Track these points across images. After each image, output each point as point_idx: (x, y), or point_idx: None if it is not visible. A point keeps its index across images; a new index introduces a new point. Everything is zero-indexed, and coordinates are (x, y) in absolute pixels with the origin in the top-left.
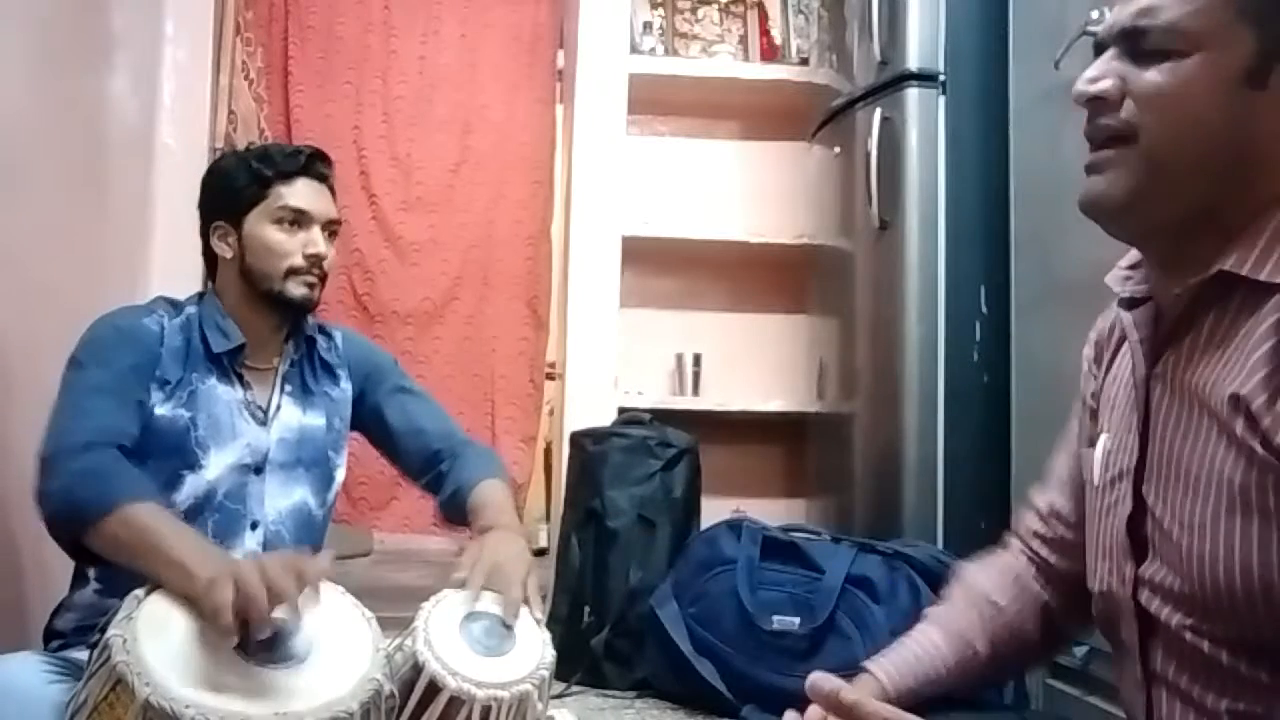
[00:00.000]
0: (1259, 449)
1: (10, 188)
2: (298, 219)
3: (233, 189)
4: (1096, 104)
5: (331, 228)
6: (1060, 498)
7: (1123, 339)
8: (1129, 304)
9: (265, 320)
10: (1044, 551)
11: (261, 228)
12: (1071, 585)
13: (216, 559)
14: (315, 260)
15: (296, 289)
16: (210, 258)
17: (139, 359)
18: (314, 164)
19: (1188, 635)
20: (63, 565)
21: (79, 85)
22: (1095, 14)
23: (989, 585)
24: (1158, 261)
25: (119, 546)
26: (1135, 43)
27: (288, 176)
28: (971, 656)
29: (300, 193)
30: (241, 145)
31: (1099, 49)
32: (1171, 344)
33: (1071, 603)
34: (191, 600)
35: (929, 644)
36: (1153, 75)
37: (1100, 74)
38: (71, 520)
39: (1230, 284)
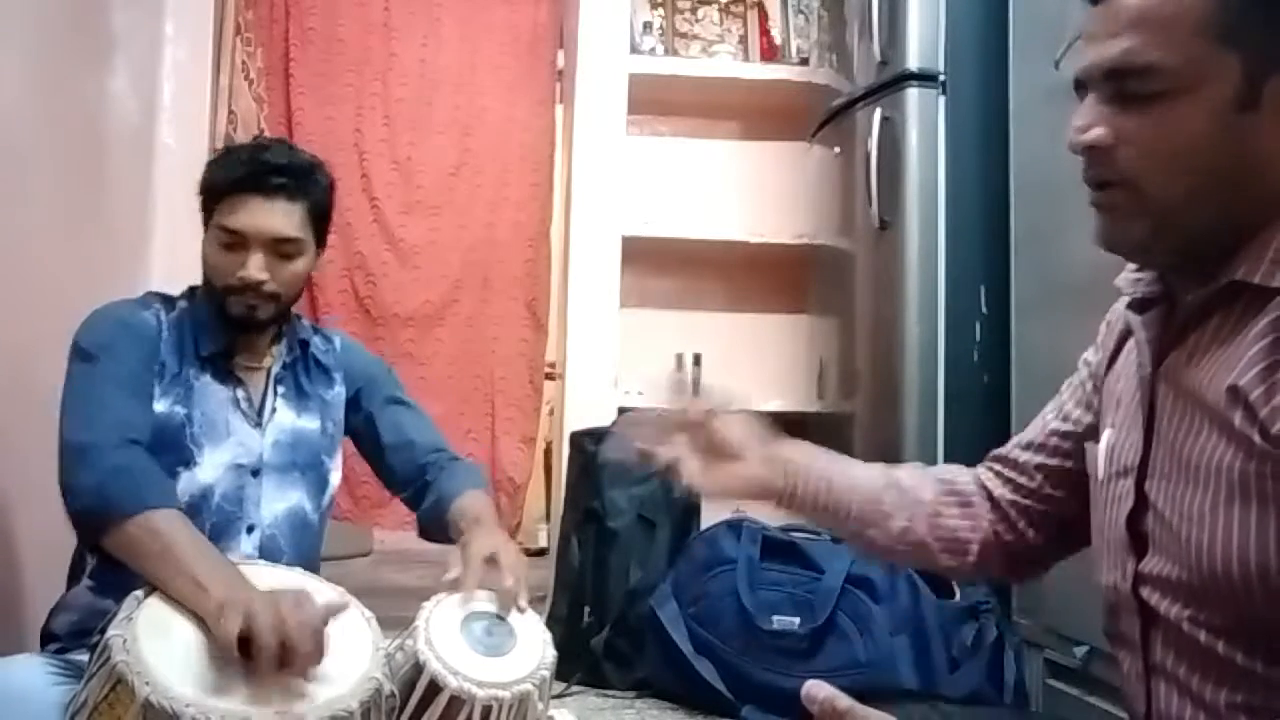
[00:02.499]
0: (1257, 439)
1: (10, 188)
2: (235, 240)
3: (202, 192)
4: (1091, 153)
5: (281, 248)
6: (1019, 449)
7: (1127, 333)
8: (1139, 306)
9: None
10: (989, 478)
11: (208, 241)
12: (1008, 509)
13: (231, 579)
14: (248, 285)
15: (234, 307)
16: None
17: (144, 353)
18: (264, 179)
19: (1186, 625)
20: (60, 566)
21: (79, 85)
22: None
23: (931, 471)
24: (1173, 274)
25: (138, 551)
26: (1119, 86)
27: (236, 191)
28: (877, 495)
29: (241, 212)
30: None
31: (1079, 87)
32: (1178, 344)
33: (1002, 528)
34: (200, 617)
35: (853, 474)
36: (1145, 122)
37: (1089, 122)
38: (99, 517)
39: (1238, 289)
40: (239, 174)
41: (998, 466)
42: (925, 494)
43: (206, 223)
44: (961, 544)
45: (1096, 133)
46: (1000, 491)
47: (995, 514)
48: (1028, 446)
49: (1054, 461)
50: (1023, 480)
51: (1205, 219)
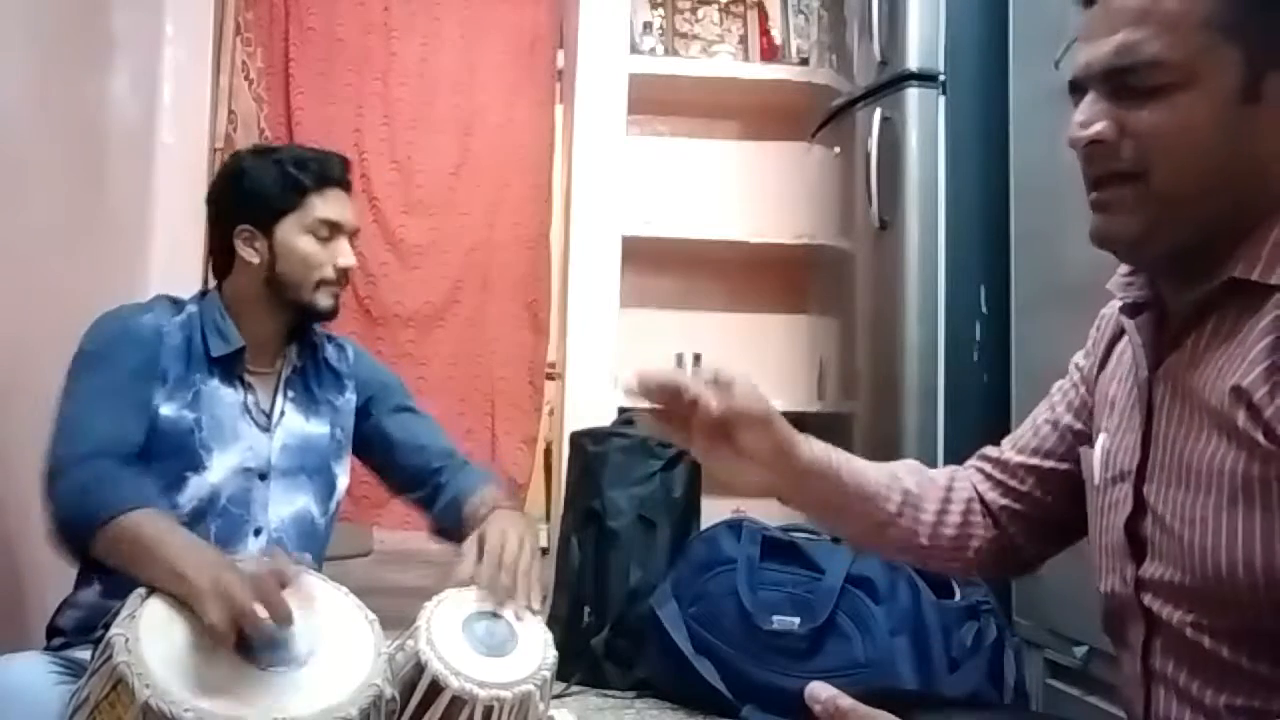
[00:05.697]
0: (1261, 440)
1: (11, 188)
2: (331, 231)
3: (264, 195)
4: (1094, 148)
5: (354, 239)
6: (1011, 450)
7: (1118, 335)
8: (1132, 310)
9: (274, 325)
10: (979, 480)
11: (295, 238)
12: (998, 514)
13: (206, 560)
14: (345, 273)
15: (325, 300)
16: (220, 257)
17: (142, 357)
18: (346, 174)
19: (1189, 631)
20: (61, 566)
21: (79, 85)
22: None
23: (927, 469)
24: (1166, 275)
25: (119, 555)
26: (1120, 81)
27: (322, 187)
28: (883, 501)
29: (333, 204)
30: (242, 145)
31: (1075, 89)
32: (1175, 347)
33: (994, 533)
34: (185, 602)
35: (859, 465)
36: (1149, 115)
37: (1091, 117)
38: (75, 532)
39: (1234, 288)
40: (322, 170)
41: (988, 468)
42: (928, 503)
43: (272, 225)
44: (959, 550)
45: (1099, 127)
46: (991, 495)
47: (987, 519)
48: (1020, 449)
49: (1046, 464)
50: (1013, 484)
51: (1204, 215)
